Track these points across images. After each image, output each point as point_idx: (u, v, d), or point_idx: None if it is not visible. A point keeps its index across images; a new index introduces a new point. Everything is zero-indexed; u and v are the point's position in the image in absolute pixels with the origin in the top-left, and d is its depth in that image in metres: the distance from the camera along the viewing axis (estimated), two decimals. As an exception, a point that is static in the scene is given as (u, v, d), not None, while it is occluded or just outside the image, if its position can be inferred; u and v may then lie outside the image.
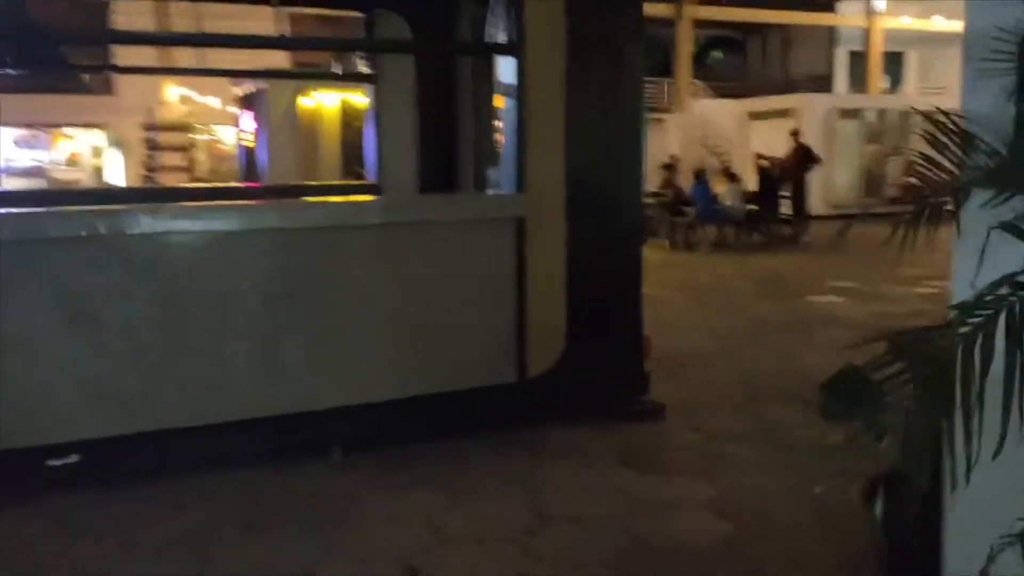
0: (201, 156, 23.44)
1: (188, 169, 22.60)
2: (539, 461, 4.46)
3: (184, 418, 4.15)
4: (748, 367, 6.51)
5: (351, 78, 12.94)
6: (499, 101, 5.45)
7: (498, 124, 5.53)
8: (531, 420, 4.87)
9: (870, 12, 25.64)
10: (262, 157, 15.77)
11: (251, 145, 16.57)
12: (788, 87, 26.06)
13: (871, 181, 20.89)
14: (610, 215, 4.91)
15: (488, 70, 5.73)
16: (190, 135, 22.86)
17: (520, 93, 4.69)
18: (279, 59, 20.01)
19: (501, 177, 5.10)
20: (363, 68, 7.81)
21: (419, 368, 4.60)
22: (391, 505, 3.91)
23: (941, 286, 10.34)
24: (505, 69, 4.82)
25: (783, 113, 20.26)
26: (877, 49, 25.77)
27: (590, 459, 4.50)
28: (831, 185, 19.55)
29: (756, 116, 21.18)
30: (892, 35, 26.67)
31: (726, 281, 10.91)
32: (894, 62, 29.63)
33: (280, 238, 4.34)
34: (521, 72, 4.67)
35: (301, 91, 15.71)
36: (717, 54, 34.28)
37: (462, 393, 4.68)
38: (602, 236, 4.90)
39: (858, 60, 29.65)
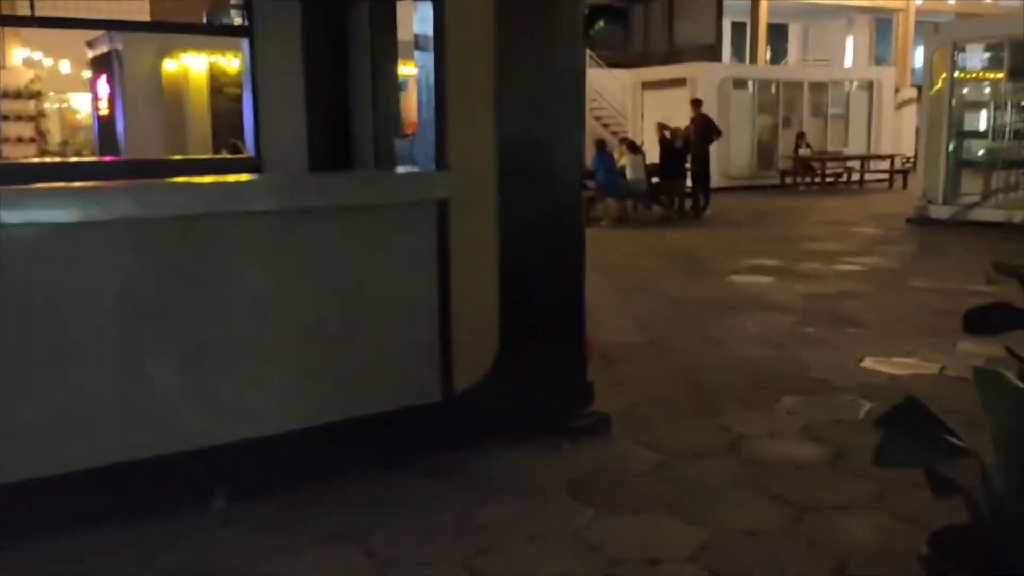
0: (52, 126, 21.37)
1: (36, 141, 20.53)
2: (476, 500, 3.63)
3: (12, 471, 3.14)
4: (687, 360, 5.84)
5: (221, 31, 11.66)
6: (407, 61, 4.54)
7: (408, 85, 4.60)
8: (462, 444, 4.04)
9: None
10: (120, 127, 14.21)
11: (106, 114, 14.94)
12: (674, 57, 25.74)
13: (764, 152, 20.79)
14: (550, 194, 4.09)
15: (390, 16, 4.80)
16: (38, 103, 20.75)
17: (438, 45, 3.80)
18: (137, 11, 18.18)
19: (415, 151, 4.20)
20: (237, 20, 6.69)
21: (320, 391, 3.70)
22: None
23: (863, 263, 10.09)
24: (419, 15, 3.91)
25: (677, 83, 19.87)
26: (764, 19, 25.73)
27: (536, 493, 3.70)
28: (725, 156, 19.29)
29: (649, 86, 20.72)
30: (775, 7, 26.68)
31: (636, 259, 10.28)
32: (777, 34, 29.79)
33: (137, 230, 3.34)
34: (439, 18, 3.78)
35: (165, 53, 14.20)
36: (601, 24, 33.84)
37: (375, 418, 3.80)
38: (541, 219, 4.09)
39: (740, 32, 29.70)
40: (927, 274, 9.04)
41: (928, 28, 13.25)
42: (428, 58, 3.85)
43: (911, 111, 24.22)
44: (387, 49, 5.28)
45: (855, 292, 8.13)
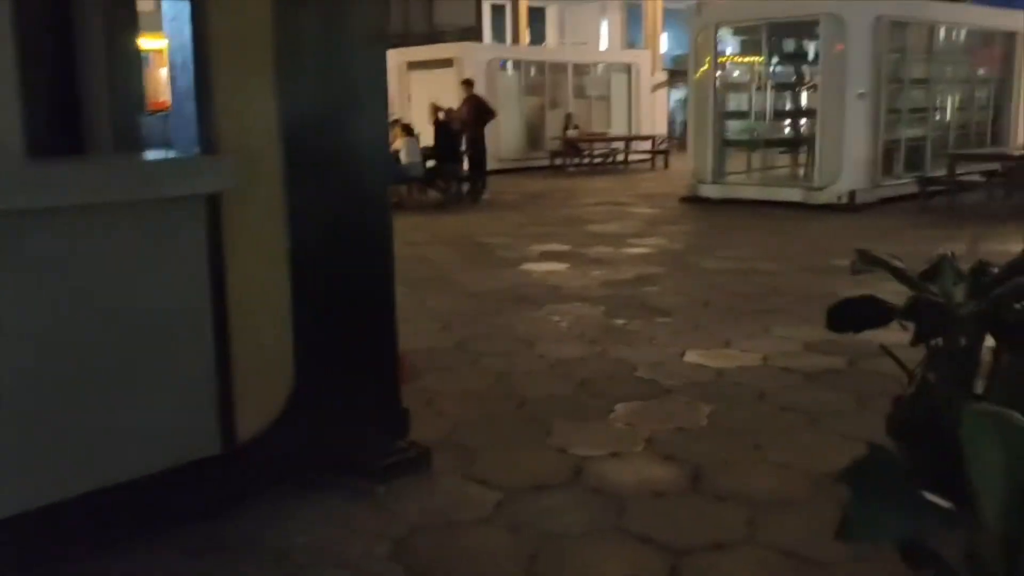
0: None
1: None
2: (276, 587, 2.78)
3: None
4: (501, 367, 5.20)
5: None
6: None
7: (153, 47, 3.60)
8: (249, 505, 3.16)
9: (515, -36, 25.41)
10: None
11: None
12: (435, 38, 25.17)
13: (533, 133, 20.69)
14: (351, 183, 3.27)
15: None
16: None
17: (196, -8, 2.88)
18: None
19: (171, 132, 3.23)
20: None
21: (60, 459, 2.70)
22: None
23: (650, 245, 9.96)
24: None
25: (444, 63, 19.27)
26: (524, 2, 25.71)
27: (352, 568, 2.90)
28: (495, 138, 18.94)
29: (415, 66, 19.98)
30: (533, -11, 26.73)
31: (422, 249, 9.55)
32: (534, 17, 29.98)
33: None
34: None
35: None
36: None
37: (136, 484, 2.85)
38: (341, 215, 3.26)
39: (500, 14, 29.66)
40: (713, 254, 8.99)
41: (682, 13, 13.42)
42: (182, 5, 2.90)
43: (663, 94, 25.13)
44: (124, 6, 4.20)
45: (652, 276, 7.87)
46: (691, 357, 5.31)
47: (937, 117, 13.26)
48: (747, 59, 13.88)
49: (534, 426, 4.19)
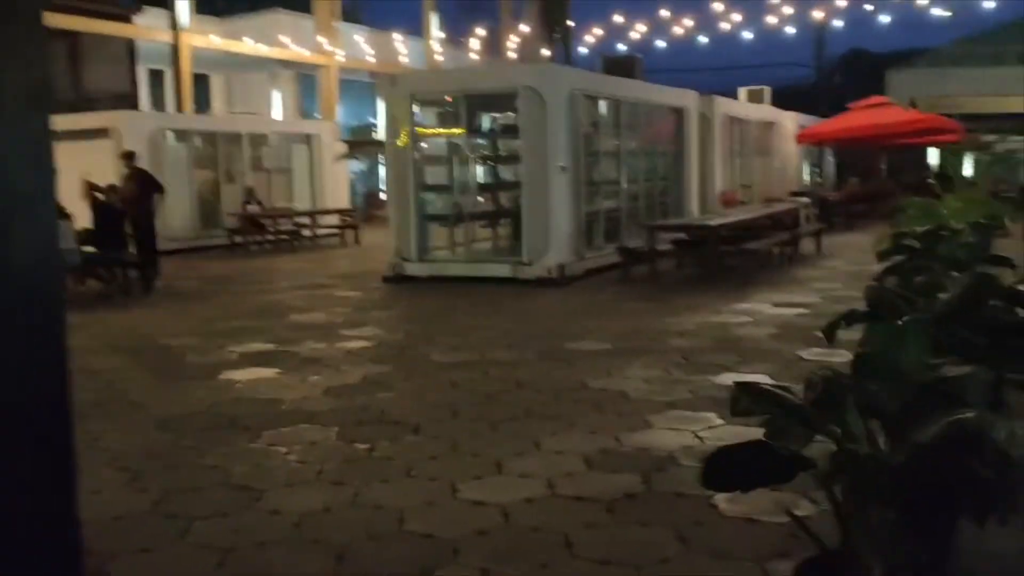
0: None
1: None
2: None
3: None
4: (221, 536, 3.87)
5: None
6: None
7: None
8: None
9: (177, 27, 23.42)
10: None
11: None
12: (85, 105, 22.44)
13: (207, 210, 18.83)
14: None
15: None
16: None
17: None
18: None
19: None
20: None
21: None
22: None
23: (367, 336, 8.82)
24: None
25: (97, 133, 16.97)
26: (187, 67, 23.74)
27: None
28: (163, 216, 16.90)
29: (64, 136, 17.38)
30: (196, 56, 24.88)
31: (85, 358, 7.71)
32: (198, 84, 27.99)
33: None
34: None
35: None
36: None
37: None
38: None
39: (158, 79, 27.39)
40: (439, 343, 8.12)
41: (355, 84, 12.72)
42: None
43: (343, 166, 24.30)
44: None
45: (382, 378, 6.81)
46: (465, 492, 4.32)
47: (627, 189, 13.59)
48: (447, 131, 13.40)
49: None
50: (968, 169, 34.96)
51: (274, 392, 6.45)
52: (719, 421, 5.40)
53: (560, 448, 4.98)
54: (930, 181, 31.76)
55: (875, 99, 20.62)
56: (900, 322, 3.32)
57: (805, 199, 17.99)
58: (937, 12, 26.96)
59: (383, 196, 24.50)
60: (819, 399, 2.61)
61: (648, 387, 6.32)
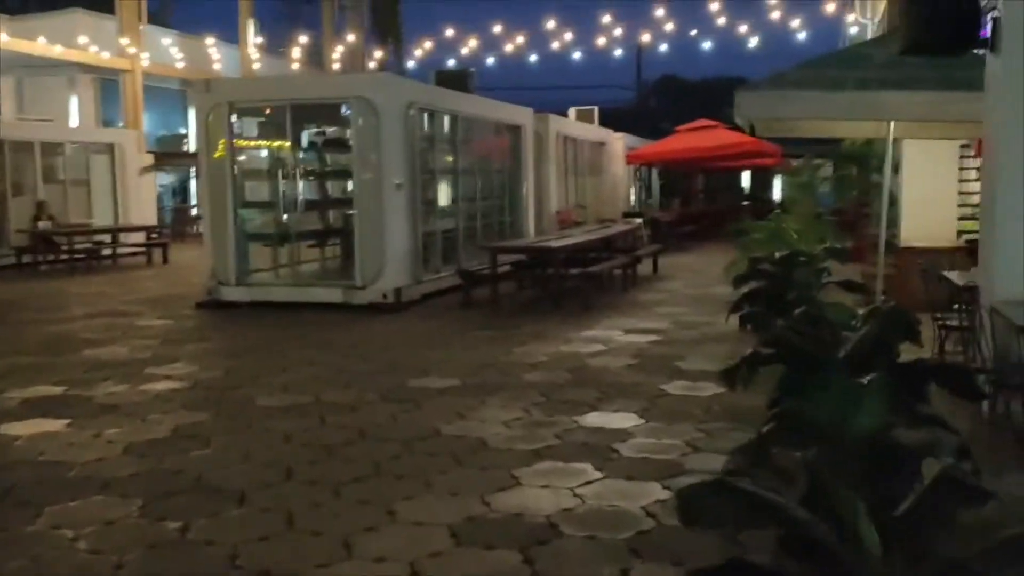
0: None
1: None
2: None
3: None
4: None
5: None
6: None
7: None
8: None
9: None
10: None
11: None
12: None
13: (-11, 227, 16.70)
14: None
15: None
16: None
17: None
18: None
19: None
20: None
21: None
22: None
23: (178, 375, 7.62)
24: None
25: None
26: (-32, 68, 21.22)
27: None
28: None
29: None
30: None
31: None
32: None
33: None
34: None
35: None
36: None
37: None
38: None
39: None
40: (265, 382, 7.14)
41: (164, 91, 11.51)
42: None
43: (150, 179, 22.44)
44: None
45: (198, 430, 5.78)
46: (312, 591, 3.47)
47: (465, 208, 12.94)
48: (270, 143, 12.29)
49: None
50: (776, 192, 36.79)
51: (61, 452, 5.30)
52: (596, 473, 4.79)
53: (419, 517, 4.20)
54: (744, 203, 33.17)
55: (702, 122, 21.04)
56: (862, 381, 2.77)
57: (638, 220, 17.99)
58: (752, 44, 28.14)
59: (196, 212, 22.81)
60: (809, 497, 1.99)
61: (509, 432, 5.64)
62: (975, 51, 5.97)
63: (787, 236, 8.61)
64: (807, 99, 8.45)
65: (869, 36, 20.03)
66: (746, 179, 35.33)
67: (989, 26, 5.69)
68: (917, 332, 3.82)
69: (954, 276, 7.14)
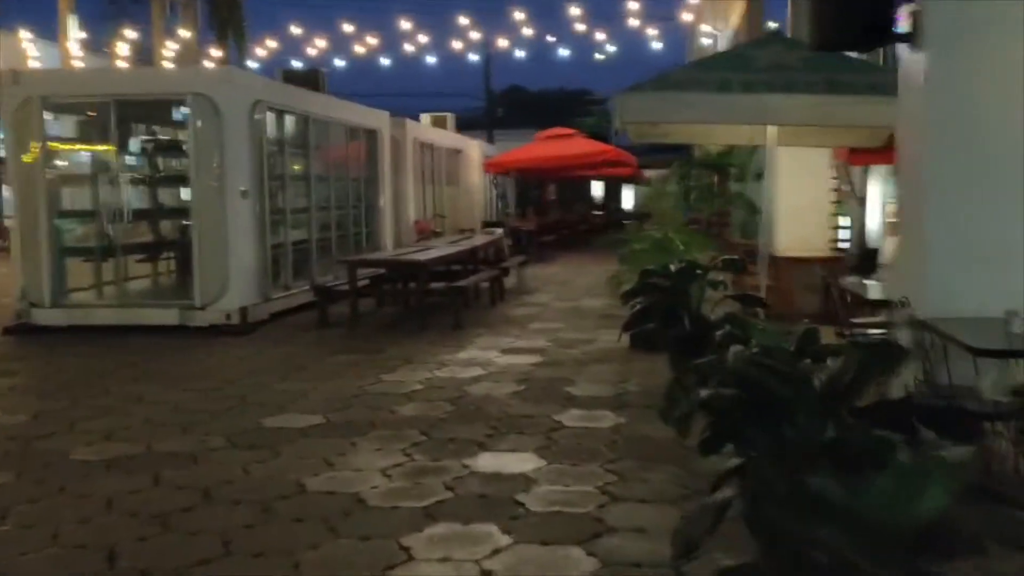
0: None
1: None
2: None
3: None
4: None
5: None
6: None
7: None
8: None
9: None
10: None
11: None
12: None
13: None
14: None
15: None
16: None
17: None
18: None
19: None
20: None
21: None
22: None
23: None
24: None
25: None
26: None
27: None
28: None
29: None
30: None
31: None
32: None
33: None
34: None
35: None
36: None
37: None
38: None
39: None
40: (83, 430, 5.92)
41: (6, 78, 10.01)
42: None
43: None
44: None
45: (-8, 498, 4.57)
46: None
47: (318, 217, 11.82)
48: (91, 146, 10.79)
49: None
50: (627, 202, 37.13)
51: None
52: (504, 538, 3.95)
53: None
54: (597, 212, 33.19)
55: (560, 130, 20.64)
56: (922, 463, 2.06)
57: (499, 230, 17.31)
58: (599, 56, 28.24)
59: (5, 223, 20.50)
60: None
61: (389, 484, 4.72)
62: (892, 44, 5.56)
63: (674, 247, 8.06)
64: (692, 102, 7.94)
65: (720, 48, 20.25)
66: (597, 188, 35.48)
67: (906, 20, 5.24)
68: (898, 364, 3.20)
69: (861, 288, 6.76)
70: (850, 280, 7.69)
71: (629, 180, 27.90)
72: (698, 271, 6.80)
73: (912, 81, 5.18)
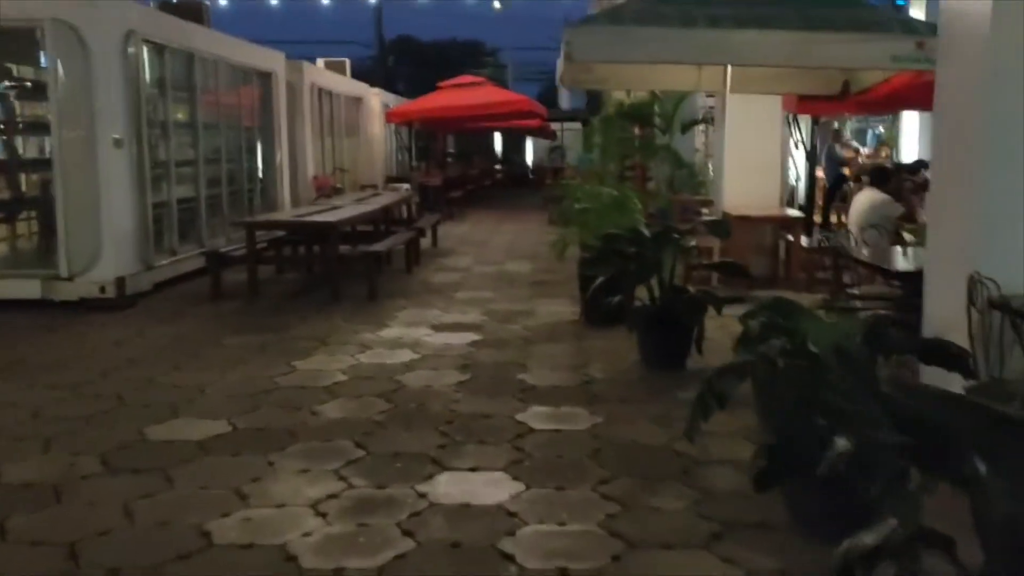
0: None
1: None
2: None
3: None
4: None
5: None
6: None
7: None
8: None
9: None
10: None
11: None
12: None
13: None
14: None
15: None
16: None
17: None
18: None
19: None
20: None
21: None
22: None
23: None
24: None
25: None
26: None
27: None
28: None
29: None
30: None
31: None
32: None
33: None
34: None
35: None
36: None
37: None
38: None
39: None
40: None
41: None
42: None
43: None
44: None
45: None
46: None
47: (206, 172, 10.29)
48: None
49: None
50: (528, 156, 36.07)
51: None
52: (498, 617, 2.87)
53: None
54: (498, 167, 32.03)
55: (466, 78, 19.32)
56: None
57: (405, 186, 16.01)
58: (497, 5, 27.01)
59: None
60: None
61: (327, 529, 3.57)
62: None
63: (631, 207, 7.02)
64: (651, 37, 6.89)
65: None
66: (497, 142, 34.25)
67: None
68: None
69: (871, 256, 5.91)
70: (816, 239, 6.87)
71: (535, 133, 26.80)
72: (675, 236, 5.81)
73: (967, 23, 4.20)
